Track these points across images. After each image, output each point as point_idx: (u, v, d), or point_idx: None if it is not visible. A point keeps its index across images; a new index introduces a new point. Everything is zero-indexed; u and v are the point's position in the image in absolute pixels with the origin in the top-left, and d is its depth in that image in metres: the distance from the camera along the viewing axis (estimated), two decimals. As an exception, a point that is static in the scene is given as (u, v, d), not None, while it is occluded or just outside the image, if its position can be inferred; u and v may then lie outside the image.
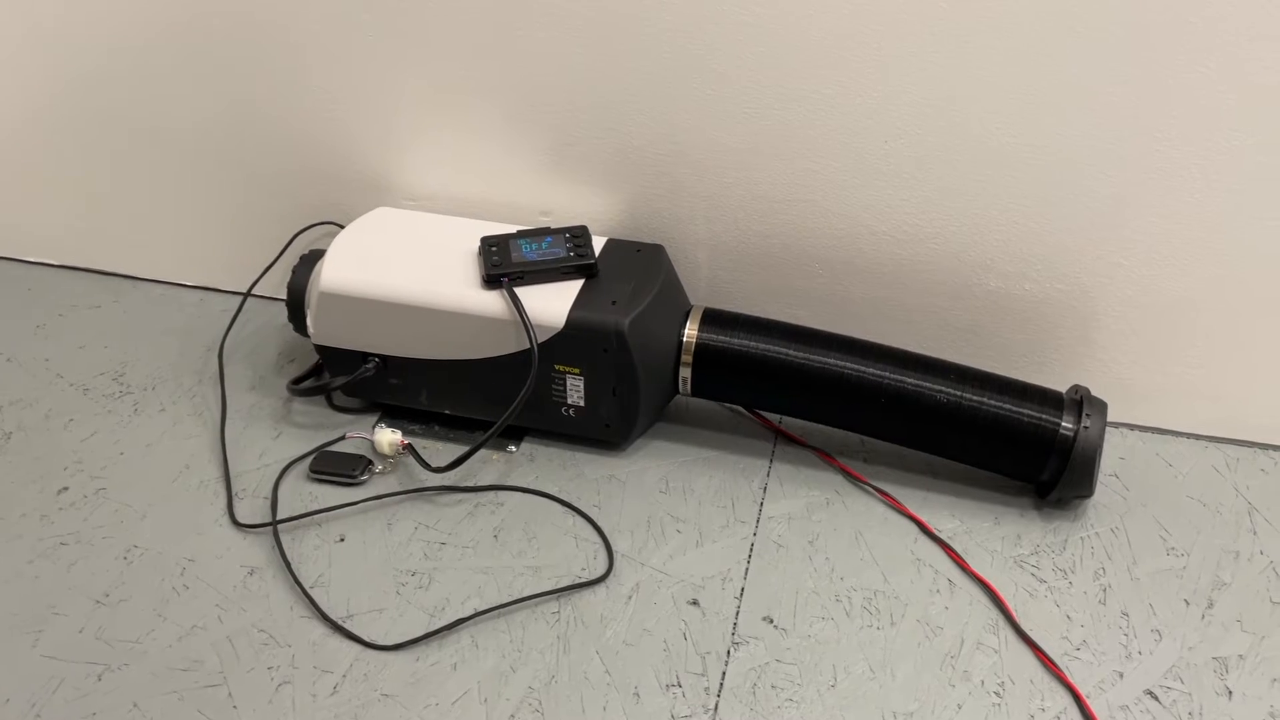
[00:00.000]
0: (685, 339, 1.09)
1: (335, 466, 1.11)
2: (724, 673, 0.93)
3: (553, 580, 1.01)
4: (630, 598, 0.99)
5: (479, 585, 1.00)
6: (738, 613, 0.98)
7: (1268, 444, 1.16)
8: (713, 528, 1.06)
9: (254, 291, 1.29)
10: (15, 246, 1.42)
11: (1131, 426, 1.18)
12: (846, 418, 1.10)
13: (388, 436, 1.11)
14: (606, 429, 1.12)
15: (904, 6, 0.99)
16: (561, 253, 1.08)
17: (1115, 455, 1.14)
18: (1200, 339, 1.12)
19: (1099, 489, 1.07)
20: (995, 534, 1.06)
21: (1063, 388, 1.08)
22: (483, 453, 1.12)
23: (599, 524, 1.06)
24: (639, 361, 1.06)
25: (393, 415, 1.18)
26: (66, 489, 1.10)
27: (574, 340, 1.05)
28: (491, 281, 1.06)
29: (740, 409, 1.19)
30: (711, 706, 0.91)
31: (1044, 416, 1.03)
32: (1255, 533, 1.06)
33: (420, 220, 1.18)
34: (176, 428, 1.17)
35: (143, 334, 1.30)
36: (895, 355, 1.07)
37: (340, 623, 0.96)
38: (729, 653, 0.95)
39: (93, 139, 1.30)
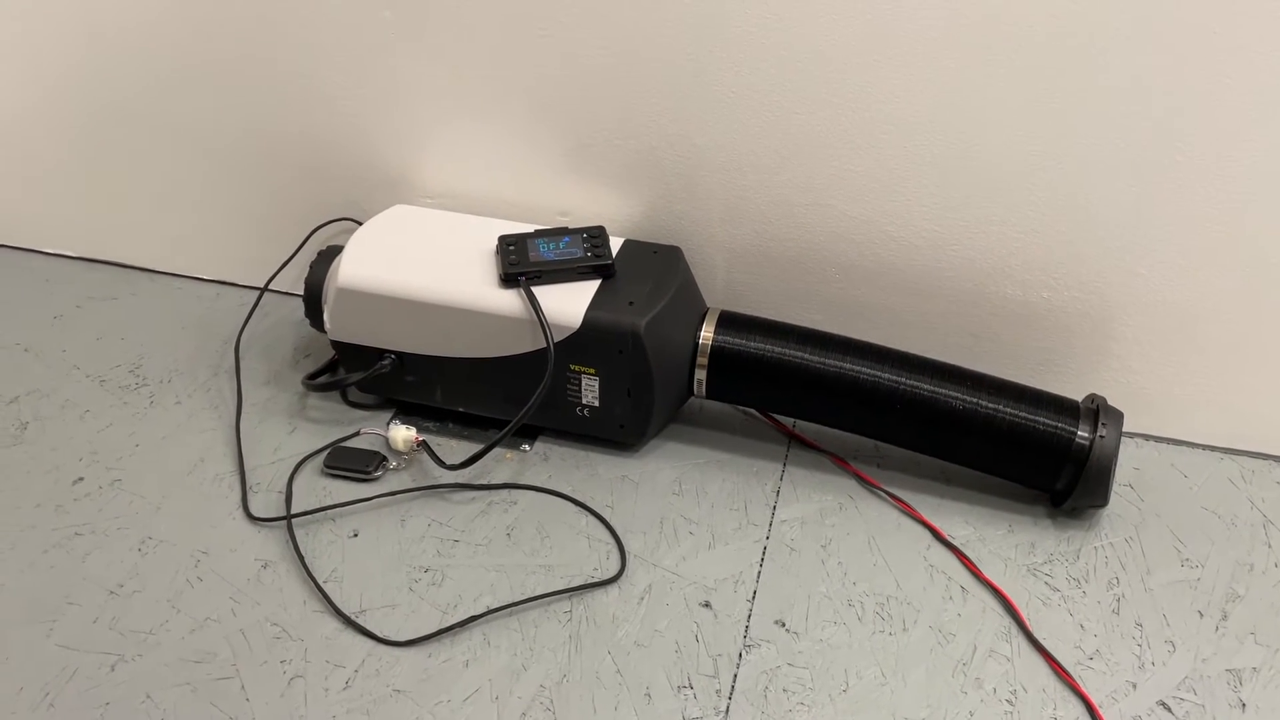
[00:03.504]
0: (701, 341, 1.09)
1: (349, 462, 1.11)
2: (735, 675, 0.93)
3: (565, 579, 1.01)
4: (642, 598, 0.99)
5: (491, 583, 1.00)
6: (750, 615, 0.98)
7: (1284, 457, 1.16)
8: (725, 530, 1.06)
9: (271, 286, 1.30)
10: (34, 238, 1.43)
11: (1147, 437, 1.18)
12: (861, 422, 1.09)
13: (402, 433, 1.12)
14: (621, 430, 1.12)
15: (925, 15, 1.00)
16: (579, 253, 1.09)
17: (1130, 465, 1.14)
18: (1218, 350, 1.12)
19: (1113, 499, 1.07)
20: (1009, 542, 1.06)
21: (1079, 396, 1.08)
22: (497, 451, 1.12)
23: (612, 524, 1.06)
24: (654, 363, 1.06)
25: (408, 412, 1.18)
26: (82, 480, 1.10)
27: (590, 340, 1.05)
28: (509, 280, 1.07)
29: (754, 412, 1.19)
30: (723, 709, 0.91)
31: (1059, 425, 1.03)
32: (1270, 545, 1.06)
33: (437, 218, 1.18)
34: (192, 420, 1.17)
35: (160, 327, 1.31)
36: (911, 361, 1.07)
37: (353, 618, 0.97)
38: (741, 655, 0.95)
39: (112, 134, 1.30)
